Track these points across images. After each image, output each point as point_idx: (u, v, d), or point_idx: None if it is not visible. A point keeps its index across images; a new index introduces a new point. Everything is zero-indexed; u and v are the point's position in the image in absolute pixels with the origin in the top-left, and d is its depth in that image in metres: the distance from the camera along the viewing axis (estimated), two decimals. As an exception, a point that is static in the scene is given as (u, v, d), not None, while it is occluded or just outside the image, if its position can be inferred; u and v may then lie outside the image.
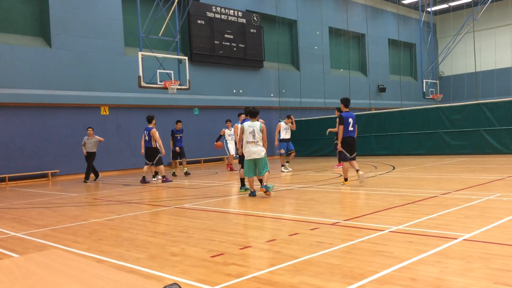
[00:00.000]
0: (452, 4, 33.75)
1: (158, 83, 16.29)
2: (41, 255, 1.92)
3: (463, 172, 11.13)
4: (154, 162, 13.29)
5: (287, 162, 14.36)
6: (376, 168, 13.74)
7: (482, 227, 4.98)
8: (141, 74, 15.57)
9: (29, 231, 6.47)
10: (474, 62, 31.71)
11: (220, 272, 3.91)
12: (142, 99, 18.97)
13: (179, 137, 15.62)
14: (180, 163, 16.72)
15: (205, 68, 21.44)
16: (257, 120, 8.94)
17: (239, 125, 10.60)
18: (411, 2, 33.39)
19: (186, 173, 15.34)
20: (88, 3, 17.81)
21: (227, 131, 16.48)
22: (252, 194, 8.82)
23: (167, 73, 16.71)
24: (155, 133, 13.10)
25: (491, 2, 28.33)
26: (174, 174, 15.25)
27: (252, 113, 8.86)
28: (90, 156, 15.08)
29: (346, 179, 9.78)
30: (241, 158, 9.52)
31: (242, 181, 9.76)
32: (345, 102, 9.76)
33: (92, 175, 15.50)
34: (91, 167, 15.17)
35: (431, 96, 30.67)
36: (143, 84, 15.73)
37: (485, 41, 32.35)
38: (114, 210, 8.14)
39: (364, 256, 4.14)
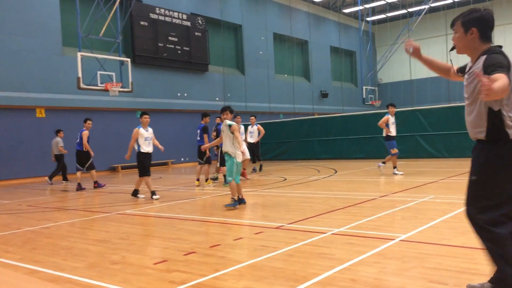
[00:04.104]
0: (389, 14, 35.40)
1: (99, 85, 15.73)
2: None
3: (399, 175, 11.65)
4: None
5: (383, 163, 12.41)
6: (319, 171, 14.07)
7: (417, 228, 5.24)
8: (80, 75, 14.97)
9: (-47, 242, 5.99)
10: (410, 70, 33.44)
11: (163, 279, 3.82)
12: (81, 101, 18.24)
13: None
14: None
15: (148, 70, 21.00)
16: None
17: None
18: (352, 11, 34.64)
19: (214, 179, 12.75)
20: (23, 0, 16.88)
21: None
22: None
23: (108, 74, 16.18)
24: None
25: (425, 14, 30.01)
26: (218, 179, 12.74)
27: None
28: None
29: (206, 180, 11.81)
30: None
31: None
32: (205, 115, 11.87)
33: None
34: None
35: (370, 102, 31.94)
36: (82, 85, 15.13)
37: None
38: (50, 217, 7.74)
39: (307, 258, 4.22)
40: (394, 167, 11.88)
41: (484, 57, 2.73)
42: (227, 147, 7.73)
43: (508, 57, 2.72)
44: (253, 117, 14.96)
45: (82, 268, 4.30)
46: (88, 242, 5.53)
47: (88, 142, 12.47)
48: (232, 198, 7.58)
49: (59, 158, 15.19)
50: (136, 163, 9.70)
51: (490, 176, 2.77)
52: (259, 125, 14.93)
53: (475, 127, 2.83)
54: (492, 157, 2.76)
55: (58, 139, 15.15)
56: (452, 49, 3.00)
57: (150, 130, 9.67)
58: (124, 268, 4.22)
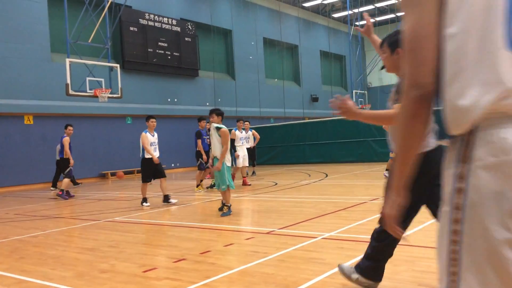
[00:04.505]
0: (378, 19, 35.69)
1: (88, 91, 15.60)
2: None
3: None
4: None
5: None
6: (309, 176, 14.09)
7: (407, 231, 5.24)
8: (69, 81, 14.84)
9: None
10: (399, 74, 33.61)
11: (153, 287, 3.78)
12: (70, 108, 18.10)
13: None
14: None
15: (138, 76, 20.92)
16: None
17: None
18: (341, 16, 34.87)
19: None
20: (11, 6, 16.76)
21: (238, 134, 12.96)
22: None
23: (97, 81, 16.07)
24: None
25: (412, 18, 30.29)
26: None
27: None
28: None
29: (198, 185, 11.60)
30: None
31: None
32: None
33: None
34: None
35: (360, 106, 32.10)
36: (71, 92, 15.00)
37: (408, 54, 34.47)
38: (38, 226, 7.64)
39: (298, 264, 4.20)
40: (387, 170, 11.80)
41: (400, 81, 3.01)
42: (216, 151, 7.61)
43: None
44: (247, 122, 14.80)
45: (70, 277, 4.25)
46: (76, 251, 5.47)
47: (70, 149, 11.91)
48: (226, 205, 7.50)
49: (59, 163, 15.03)
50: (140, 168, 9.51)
51: None
52: (253, 130, 14.90)
53: (392, 140, 3.10)
54: None
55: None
56: (382, 68, 3.23)
57: (156, 135, 9.48)
58: (113, 277, 4.17)
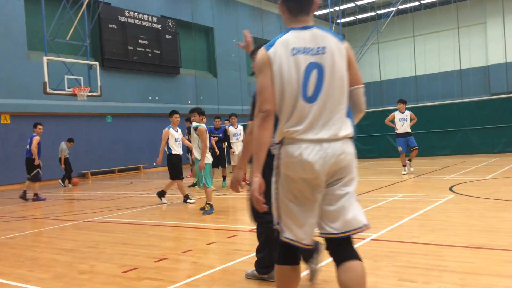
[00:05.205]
0: (358, 16, 35.98)
1: (66, 89, 15.33)
2: None
3: (371, 174, 11.81)
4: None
5: (410, 160, 11.69)
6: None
7: (388, 226, 5.30)
8: (46, 80, 14.55)
9: None
10: (379, 72, 34.02)
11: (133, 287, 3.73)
12: (48, 107, 17.76)
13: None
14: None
15: (118, 74, 20.64)
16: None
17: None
18: (322, 14, 35.01)
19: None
20: (-15, 2, 16.34)
21: (232, 130, 12.34)
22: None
23: (76, 79, 15.80)
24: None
25: (393, 16, 30.61)
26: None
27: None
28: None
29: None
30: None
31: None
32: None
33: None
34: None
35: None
36: (49, 90, 14.71)
37: (388, 52, 34.85)
38: (15, 227, 7.48)
39: (280, 261, 4.19)
40: (404, 165, 11.44)
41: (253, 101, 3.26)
42: (195, 151, 7.62)
43: None
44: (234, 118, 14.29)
45: (48, 279, 4.16)
46: (55, 252, 5.36)
47: (39, 149, 11.40)
48: (208, 203, 7.45)
49: (66, 161, 15.58)
50: (166, 167, 9.12)
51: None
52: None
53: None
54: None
55: (64, 146, 15.55)
56: (252, 74, 3.10)
57: (179, 130, 9.12)
58: (92, 278, 4.10)
